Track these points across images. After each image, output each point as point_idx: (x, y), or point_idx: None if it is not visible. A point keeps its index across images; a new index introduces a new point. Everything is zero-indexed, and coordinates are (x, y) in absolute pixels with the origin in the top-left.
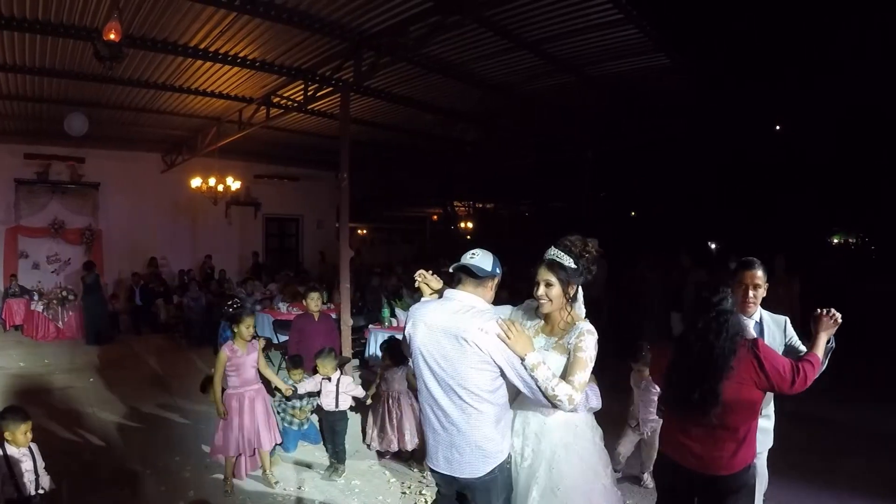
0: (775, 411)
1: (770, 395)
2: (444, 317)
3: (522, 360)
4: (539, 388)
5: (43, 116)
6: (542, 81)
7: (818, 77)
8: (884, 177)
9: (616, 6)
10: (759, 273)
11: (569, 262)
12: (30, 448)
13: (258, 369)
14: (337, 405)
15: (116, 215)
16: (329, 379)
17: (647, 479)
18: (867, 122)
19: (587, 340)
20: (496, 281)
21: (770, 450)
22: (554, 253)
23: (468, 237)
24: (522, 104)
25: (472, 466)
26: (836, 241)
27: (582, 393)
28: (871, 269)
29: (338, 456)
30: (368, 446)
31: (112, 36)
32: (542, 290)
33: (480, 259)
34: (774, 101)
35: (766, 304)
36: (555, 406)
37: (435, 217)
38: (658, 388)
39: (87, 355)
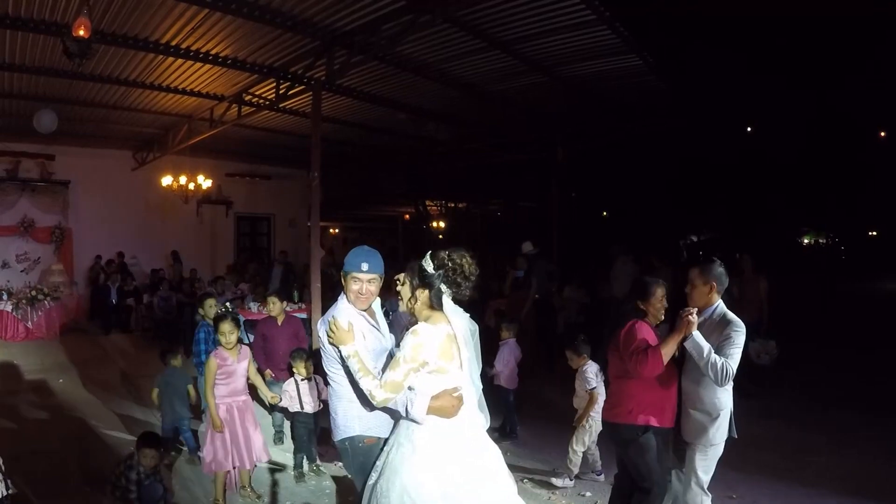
0: (742, 407)
1: (704, 392)
2: None
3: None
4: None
5: (12, 113)
6: (515, 81)
7: (790, 80)
8: (855, 179)
9: (589, 7)
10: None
11: (429, 268)
12: None
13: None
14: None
15: (86, 213)
16: (309, 379)
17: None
18: (838, 125)
19: (406, 339)
20: (349, 278)
21: (740, 447)
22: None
23: (440, 236)
24: (495, 103)
25: (332, 430)
26: (806, 241)
27: (389, 393)
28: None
29: (311, 457)
30: None
31: (81, 32)
32: (398, 286)
33: None
34: (747, 104)
35: (735, 304)
36: None
37: (407, 216)
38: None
39: (56, 356)
